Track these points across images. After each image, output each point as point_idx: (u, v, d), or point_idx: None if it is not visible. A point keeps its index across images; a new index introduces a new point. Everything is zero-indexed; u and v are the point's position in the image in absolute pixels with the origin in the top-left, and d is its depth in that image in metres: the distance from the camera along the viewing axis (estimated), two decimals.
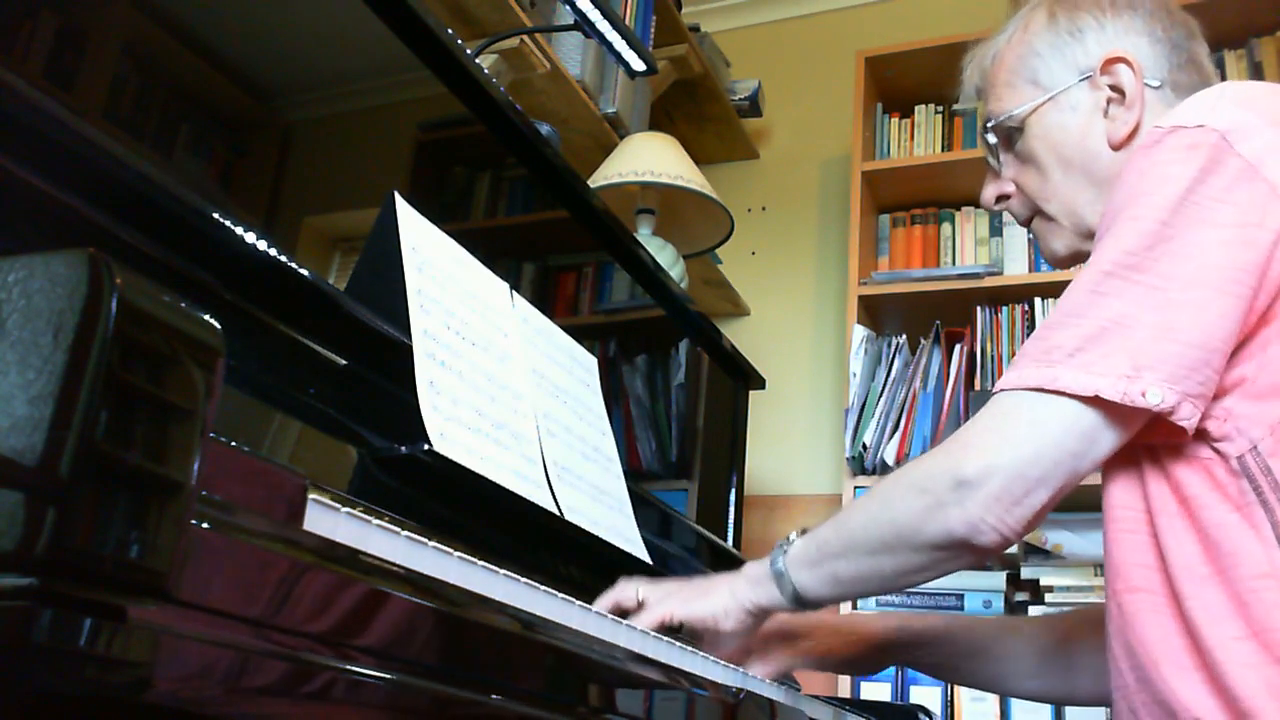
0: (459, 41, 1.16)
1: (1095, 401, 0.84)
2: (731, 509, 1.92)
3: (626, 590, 1.04)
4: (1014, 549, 2.47)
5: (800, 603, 0.99)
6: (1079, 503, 2.19)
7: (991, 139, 1.12)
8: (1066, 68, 1.06)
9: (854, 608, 2.51)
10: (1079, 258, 1.09)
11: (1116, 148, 1.03)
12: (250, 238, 0.82)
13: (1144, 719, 0.88)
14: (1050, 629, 1.22)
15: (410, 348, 0.91)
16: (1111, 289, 0.86)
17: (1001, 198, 1.14)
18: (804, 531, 1.01)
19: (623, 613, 1.01)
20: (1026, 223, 1.14)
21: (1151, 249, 0.85)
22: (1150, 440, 0.89)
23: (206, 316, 0.42)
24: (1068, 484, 0.88)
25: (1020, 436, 0.87)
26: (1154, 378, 0.83)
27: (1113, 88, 1.04)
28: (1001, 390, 0.90)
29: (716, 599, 1.02)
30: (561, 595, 0.80)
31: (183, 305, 0.41)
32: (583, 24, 1.93)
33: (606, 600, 1.03)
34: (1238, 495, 0.85)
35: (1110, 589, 0.93)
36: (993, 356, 2.61)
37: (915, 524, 0.90)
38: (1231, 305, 0.84)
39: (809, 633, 1.21)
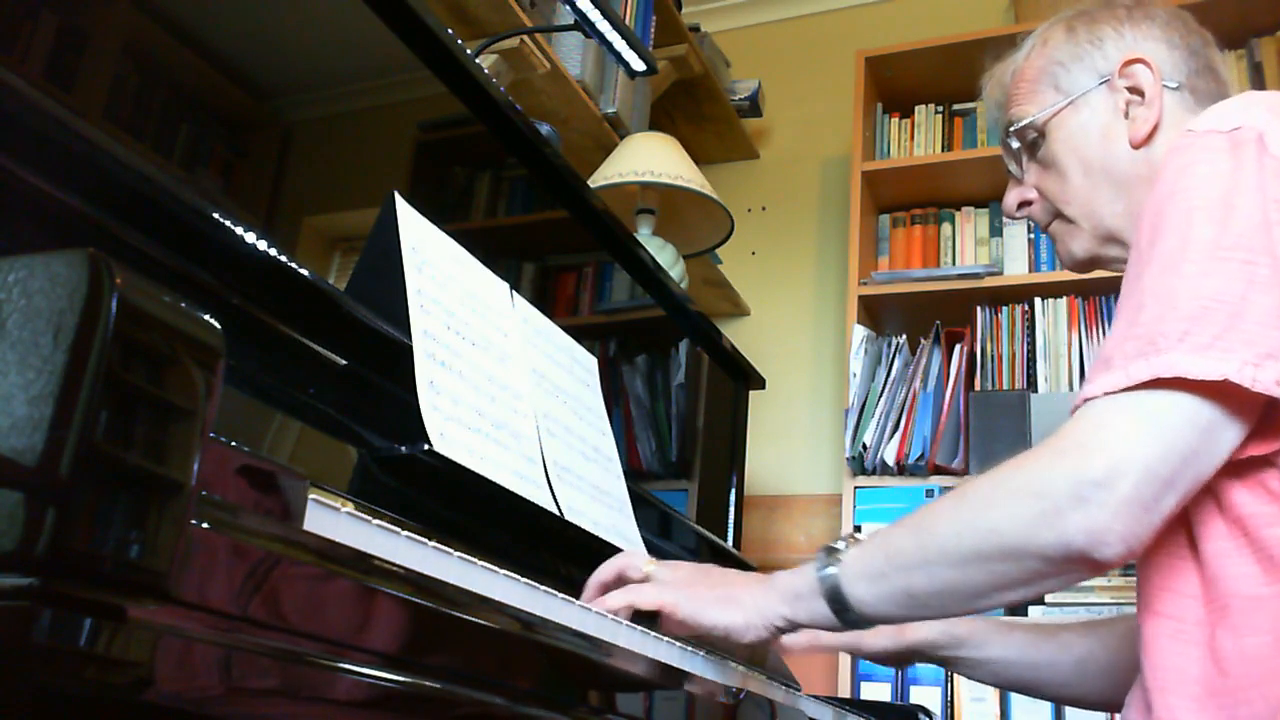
0: (459, 41, 1.16)
1: (1217, 391, 0.77)
2: (731, 509, 1.92)
3: (634, 560, 0.98)
4: None
5: (848, 620, 0.90)
6: None
7: (1014, 144, 1.14)
8: (1087, 73, 1.08)
9: None
10: (1096, 262, 1.10)
11: (1136, 146, 1.05)
12: (250, 238, 0.82)
13: None
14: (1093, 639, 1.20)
15: (410, 348, 0.91)
16: (1193, 271, 0.80)
17: (1024, 204, 1.15)
18: (854, 537, 0.93)
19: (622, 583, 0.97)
20: (1046, 227, 1.15)
21: (1229, 231, 0.81)
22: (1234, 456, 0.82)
23: (206, 316, 0.42)
24: (1191, 490, 0.80)
25: (1146, 434, 0.77)
26: None
27: (1131, 89, 1.06)
28: (1105, 394, 0.80)
29: (736, 612, 0.94)
30: (561, 595, 0.80)
31: (183, 305, 0.41)
32: (583, 24, 1.93)
33: (609, 569, 0.98)
34: None
35: (1137, 606, 0.90)
36: (993, 356, 2.61)
37: (1026, 532, 0.80)
38: None
39: None
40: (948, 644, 1.21)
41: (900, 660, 1.23)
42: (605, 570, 0.99)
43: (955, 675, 2.39)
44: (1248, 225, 0.81)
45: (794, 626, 0.93)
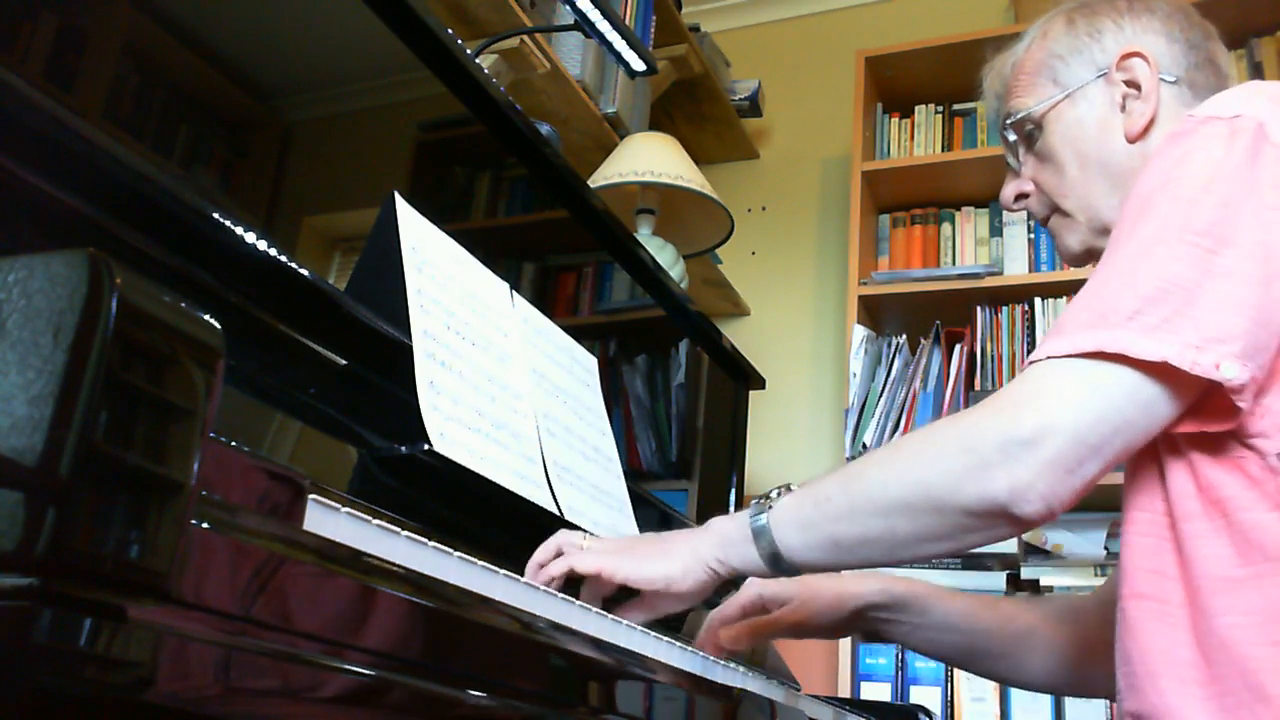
0: (459, 41, 1.16)
1: (1159, 370, 0.79)
2: (732, 509, 1.92)
3: (571, 537, 0.97)
4: (1014, 548, 2.46)
5: (780, 567, 0.92)
6: (1079, 502, 2.19)
7: (1011, 137, 1.14)
8: (1085, 66, 1.08)
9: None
10: (1093, 255, 1.10)
11: (1132, 140, 1.05)
12: (250, 238, 0.82)
13: None
14: (1059, 620, 1.19)
15: (410, 348, 0.91)
16: (1162, 253, 0.82)
17: (1020, 196, 1.15)
18: (788, 488, 0.94)
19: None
20: (1045, 221, 1.15)
21: (1201, 217, 0.82)
22: (1178, 429, 0.84)
23: (206, 316, 0.42)
24: (1118, 458, 0.83)
25: (1080, 400, 0.80)
26: (1226, 351, 0.78)
27: (1128, 83, 1.06)
28: (1049, 357, 0.82)
29: (674, 560, 0.94)
30: (561, 595, 0.80)
31: (183, 305, 0.41)
32: (583, 24, 1.93)
33: (548, 548, 0.96)
34: (1276, 493, 0.81)
35: (1118, 592, 0.90)
36: (993, 356, 2.61)
37: (952, 484, 0.82)
38: None
39: (785, 602, 1.14)
40: (887, 604, 1.17)
41: (842, 630, 1.20)
42: (544, 550, 0.97)
43: (955, 674, 2.40)
44: (1222, 212, 0.82)
45: (731, 571, 0.94)
